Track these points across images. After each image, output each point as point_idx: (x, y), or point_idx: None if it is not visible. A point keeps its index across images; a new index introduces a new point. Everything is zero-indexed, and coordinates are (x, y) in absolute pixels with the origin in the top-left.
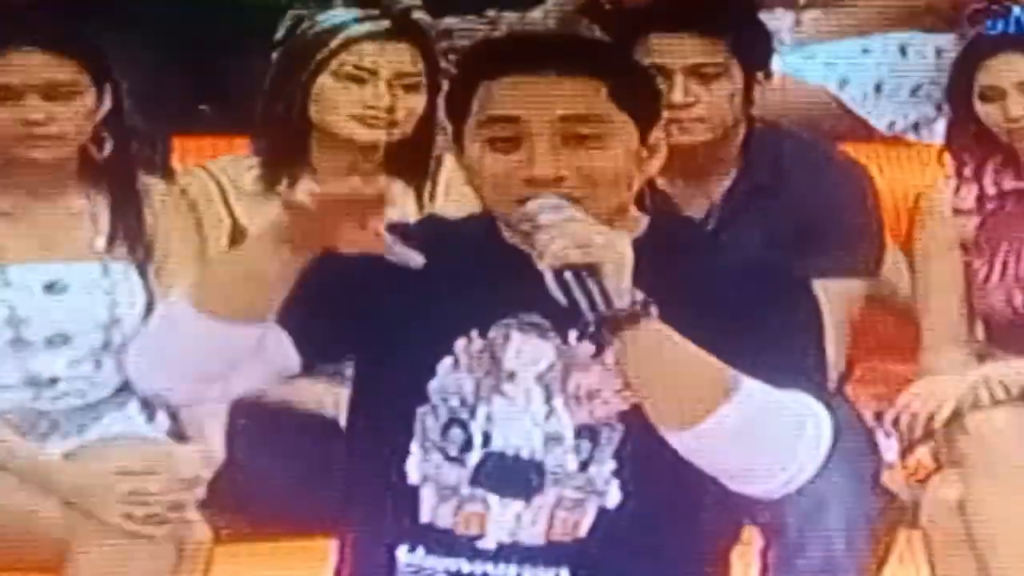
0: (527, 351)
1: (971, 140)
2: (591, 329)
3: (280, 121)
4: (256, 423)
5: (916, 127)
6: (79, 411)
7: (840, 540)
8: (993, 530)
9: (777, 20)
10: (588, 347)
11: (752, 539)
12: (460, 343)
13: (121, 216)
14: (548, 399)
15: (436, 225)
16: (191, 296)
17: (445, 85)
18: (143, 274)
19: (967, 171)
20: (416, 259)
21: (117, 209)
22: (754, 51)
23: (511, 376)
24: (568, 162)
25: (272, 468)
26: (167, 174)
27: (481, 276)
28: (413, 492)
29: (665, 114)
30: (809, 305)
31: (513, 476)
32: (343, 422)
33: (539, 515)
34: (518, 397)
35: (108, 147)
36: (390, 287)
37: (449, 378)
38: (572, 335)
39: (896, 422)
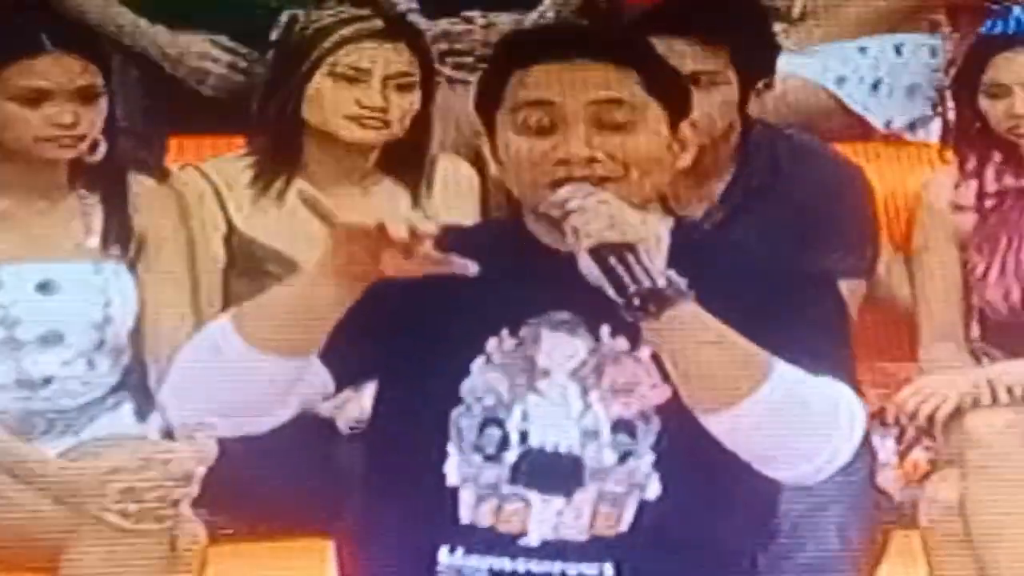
0: (559, 348)
1: (974, 136)
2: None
3: (275, 121)
4: None
5: (912, 127)
6: (73, 411)
7: (835, 540)
8: (992, 530)
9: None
10: (622, 342)
11: None
12: (492, 342)
13: (113, 216)
14: (584, 395)
15: (461, 230)
16: (241, 328)
17: (441, 86)
18: (135, 273)
19: (968, 167)
20: (471, 267)
21: (109, 209)
22: (756, 60)
23: (545, 373)
24: (601, 144)
25: (266, 468)
26: (161, 174)
27: (509, 276)
28: (452, 494)
29: None
30: (834, 297)
31: (552, 472)
32: (340, 423)
33: (581, 510)
34: (553, 394)
35: (102, 148)
36: (418, 292)
37: (483, 377)
38: (604, 331)
39: (897, 417)
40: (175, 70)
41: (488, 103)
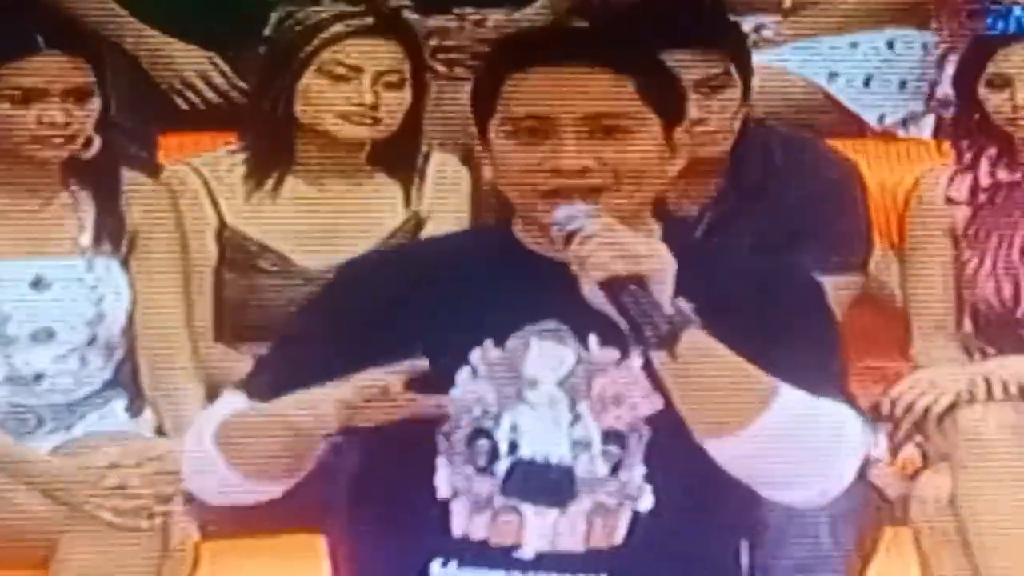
0: (547, 357)
1: (971, 128)
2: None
3: (267, 118)
4: None
5: (905, 123)
6: (65, 407)
7: (826, 536)
8: (984, 526)
9: (763, 19)
10: (611, 352)
11: None
12: (476, 353)
13: (106, 212)
14: (573, 405)
15: (446, 239)
16: (228, 456)
17: (433, 82)
18: (127, 270)
19: (964, 160)
20: (443, 402)
21: (102, 205)
22: (747, 57)
23: (533, 383)
24: (594, 153)
25: None
26: (154, 170)
27: (495, 285)
28: (443, 506)
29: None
30: (827, 310)
31: (544, 483)
32: None
33: (576, 522)
34: (542, 404)
35: (96, 145)
36: (401, 303)
37: (469, 389)
38: (593, 340)
39: (891, 413)
40: (161, 74)
41: (482, 107)
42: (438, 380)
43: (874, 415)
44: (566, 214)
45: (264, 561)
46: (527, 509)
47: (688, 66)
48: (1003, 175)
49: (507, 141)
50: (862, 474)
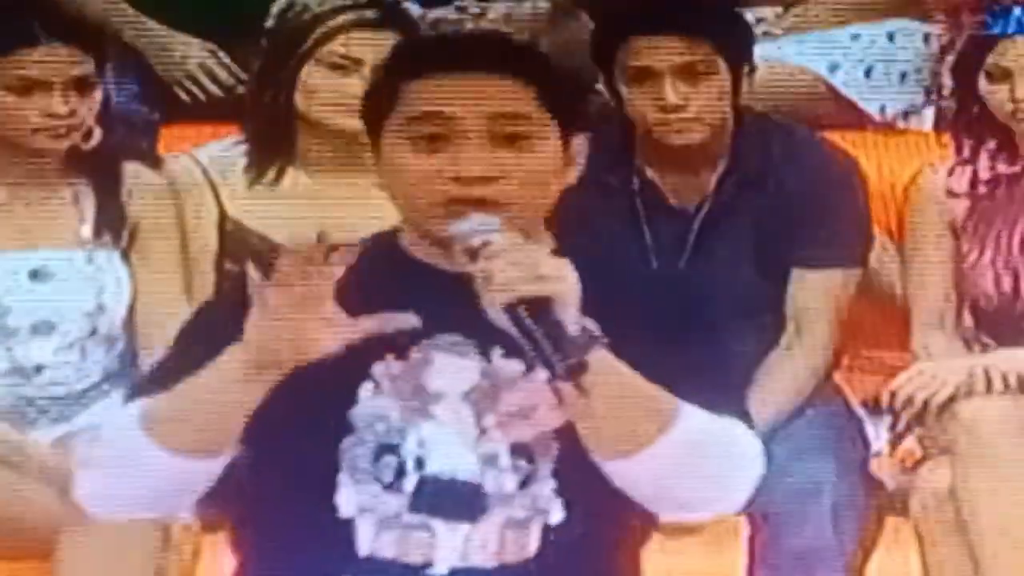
0: (450, 371)
1: (971, 120)
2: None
3: (267, 110)
4: None
5: (905, 115)
6: (66, 398)
7: (827, 529)
8: (983, 518)
9: (764, 12)
10: (515, 364)
11: (739, 527)
12: (378, 367)
13: (106, 204)
14: (479, 419)
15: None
16: (147, 427)
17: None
18: (128, 261)
19: (963, 153)
20: (412, 320)
21: (102, 197)
22: (738, 47)
23: (437, 398)
24: (496, 162)
25: None
26: (154, 161)
27: (388, 298)
28: (347, 525)
29: (657, 116)
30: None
31: (454, 499)
32: None
33: (488, 537)
34: (447, 419)
35: (97, 137)
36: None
37: (372, 404)
38: (496, 353)
39: (891, 405)
40: (162, 65)
41: (375, 113)
42: (340, 397)
43: (874, 407)
44: (469, 227)
45: None
46: (438, 525)
47: (666, 51)
48: (1003, 168)
49: (404, 148)
50: (863, 466)
